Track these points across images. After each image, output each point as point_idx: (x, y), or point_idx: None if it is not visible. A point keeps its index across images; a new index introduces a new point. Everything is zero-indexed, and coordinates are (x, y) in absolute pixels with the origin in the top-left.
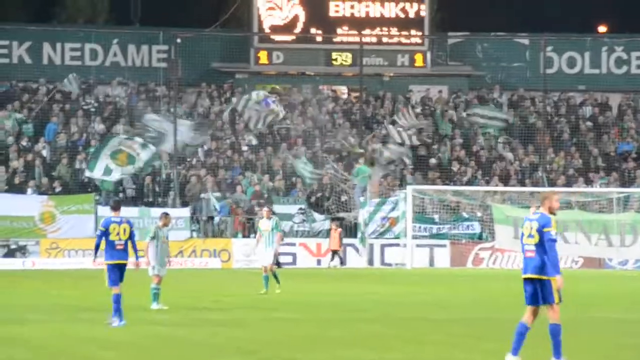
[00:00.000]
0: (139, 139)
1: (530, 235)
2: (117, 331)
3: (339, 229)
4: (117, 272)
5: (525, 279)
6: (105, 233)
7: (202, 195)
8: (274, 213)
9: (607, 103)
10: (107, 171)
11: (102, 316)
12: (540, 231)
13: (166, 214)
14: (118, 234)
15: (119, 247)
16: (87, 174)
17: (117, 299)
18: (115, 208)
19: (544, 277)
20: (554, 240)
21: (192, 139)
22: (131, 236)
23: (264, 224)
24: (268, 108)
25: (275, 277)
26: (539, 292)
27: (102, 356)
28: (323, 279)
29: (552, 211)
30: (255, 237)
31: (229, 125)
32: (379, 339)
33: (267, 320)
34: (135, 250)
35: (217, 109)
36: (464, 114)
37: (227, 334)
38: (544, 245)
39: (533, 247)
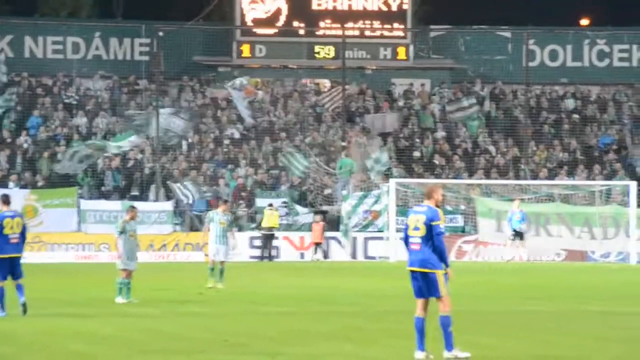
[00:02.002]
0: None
1: (416, 228)
2: (104, 325)
3: (322, 222)
4: (8, 265)
5: (411, 272)
6: (0, 227)
7: (177, 185)
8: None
9: (589, 96)
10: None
11: (88, 310)
12: (428, 224)
13: (132, 207)
14: (12, 227)
15: (13, 240)
16: (58, 167)
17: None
18: (6, 202)
19: (429, 271)
20: (442, 233)
21: (175, 126)
22: (23, 230)
23: (220, 217)
24: (245, 90)
25: (222, 273)
26: (424, 285)
27: (90, 351)
28: (306, 273)
29: (437, 204)
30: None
31: (212, 119)
32: (363, 333)
33: (252, 314)
34: (23, 243)
35: (200, 102)
36: (448, 113)
37: (214, 327)
38: (431, 238)
39: (419, 240)
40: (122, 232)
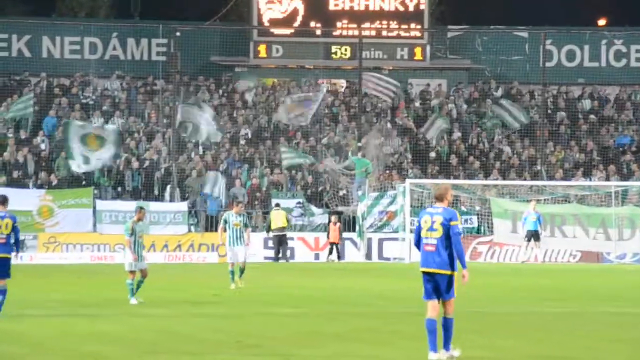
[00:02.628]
0: (95, 122)
1: (432, 229)
2: (117, 326)
3: (339, 223)
4: None
5: (426, 273)
6: None
7: (207, 190)
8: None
9: (606, 96)
10: (86, 160)
11: (101, 311)
12: (446, 225)
13: (141, 208)
14: (0, 227)
15: (0, 241)
16: (74, 168)
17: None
18: (2, 203)
19: (447, 272)
20: (461, 234)
21: (216, 128)
22: (14, 230)
23: (234, 219)
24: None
25: (242, 272)
26: (439, 287)
27: (102, 351)
28: (321, 273)
29: (449, 205)
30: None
31: (229, 118)
32: (376, 334)
33: (266, 315)
34: (17, 244)
35: (217, 102)
36: (490, 103)
37: (227, 328)
38: (447, 239)
39: (435, 241)
40: (132, 233)
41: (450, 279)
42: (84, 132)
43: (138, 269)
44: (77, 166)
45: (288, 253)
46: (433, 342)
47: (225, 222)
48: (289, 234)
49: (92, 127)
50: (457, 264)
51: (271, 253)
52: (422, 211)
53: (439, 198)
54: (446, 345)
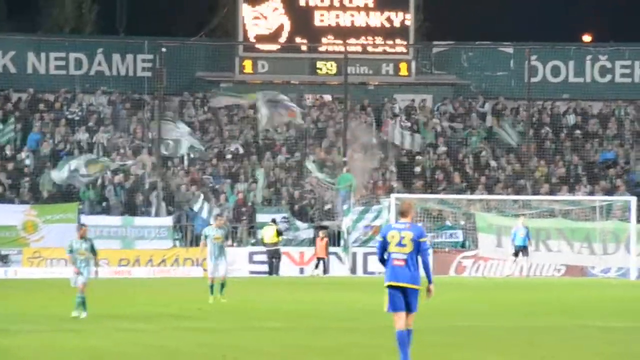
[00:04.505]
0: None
1: (400, 244)
2: (103, 340)
3: (326, 238)
4: None
5: (395, 287)
6: None
7: (195, 206)
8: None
9: (591, 112)
10: (75, 172)
11: (87, 326)
12: (415, 241)
13: (82, 225)
14: None
15: None
16: (53, 175)
17: None
18: None
19: (416, 287)
20: (428, 249)
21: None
22: None
23: (214, 233)
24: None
25: (223, 287)
26: (406, 300)
27: None
28: (306, 288)
29: (413, 220)
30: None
31: (214, 132)
32: (362, 349)
33: (251, 329)
34: None
35: (202, 117)
36: (482, 120)
37: (212, 342)
38: (417, 254)
39: (404, 256)
40: (70, 251)
41: (417, 293)
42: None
43: (78, 285)
44: (61, 174)
45: (280, 268)
46: (405, 353)
47: (206, 237)
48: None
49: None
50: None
51: (256, 267)
52: (386, 227)
53: (404, 214)
54: (406, 357)
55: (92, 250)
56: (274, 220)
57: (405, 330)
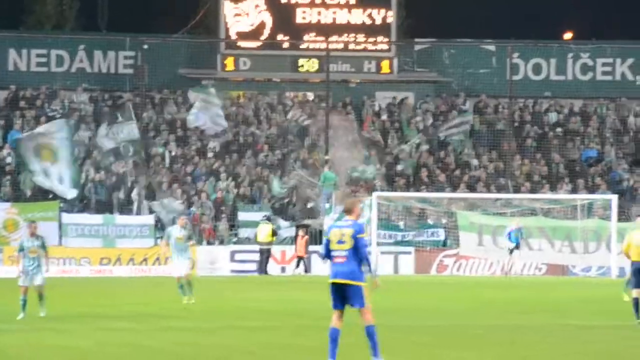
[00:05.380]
0: (41, 130)
1: (341, 242)
2: (84, 340)
3: (306, 236)
4: None
5: (334, 284)
6: None
7: (165, 200)
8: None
9: (572, 110)
10: (46, 173)
11: (68, 325)
12: (355, 237)
13: (31, 222)
14: None
15: None
16: (39, 182)
17: None
18: None
19: (354, 283)
20: (367, 245)
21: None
22: None
23: (177, 232)
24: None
25: (190, 285)
26: (347, 297)
27: None
28: (288, 287)
29: (358, 217)
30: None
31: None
32: (344, 348)
33: (235, 329)
34: None
35: (184, 115)
36: (439, 134)
37: (195, 342)
38: (357, 251)
39: (344, 253)
40: (21, 249)
41: (359, 289)
42: (35, 144)
43: (31, 285)
44: (41, 182)
45: (254, 266)
46: (333, 351)
47: (169, 236)
48: (255, 247)
49: (39, 136)
50: (367, 275)
51: (237, 266)
52: (330, 226)
53: (348, 211)
54: (374, 353)
55: (43, 247)
56: (268, 219)
57: (338, 328)
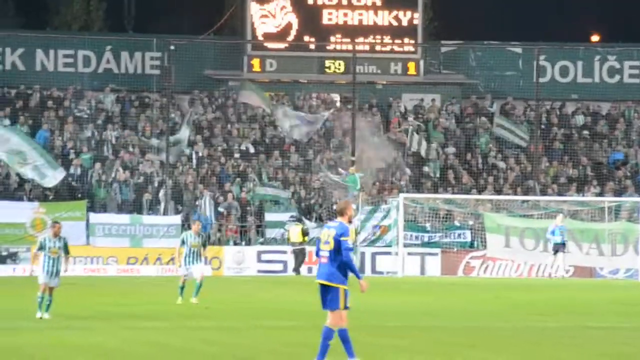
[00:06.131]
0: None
1: (326, 242)
2: (110, 338)
3: None
4: None
5: (319, 284)
6: None
7: (198, 202)
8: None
9: (599, 112)
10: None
11: (94, 324)
12: (337, 239)
13: (55, 223)
14: None
15: None
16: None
17: None
18: None
19: (332, 284)
20: (350, 249)
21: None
22: None
23: (192, 239)
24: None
25: (198, 289)
26: (327, 298)
27: None
28: (314, 287)
29: (350, 220)
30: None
31: (220, 132)
32: (371, 348)
33: (260, 328)
34: None
35: (211, 116)
36: (489, 122)
37: (221, 341)
38: (339, 253)
39: (327, 254)
40: (41, 248)
41: (335, 291)
42: (9, 149)
43: (49, 285)
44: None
45: (279, 266)
46: (322, 350)
47: (183, 242)
48: (282, 248)
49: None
50: (351, 278)
51: (264, 266)
52: (324, 226)
53: (340, 213)
54: (350, 355)
55: (65, 249)
56: (299, 220)
57: (328, 327)
